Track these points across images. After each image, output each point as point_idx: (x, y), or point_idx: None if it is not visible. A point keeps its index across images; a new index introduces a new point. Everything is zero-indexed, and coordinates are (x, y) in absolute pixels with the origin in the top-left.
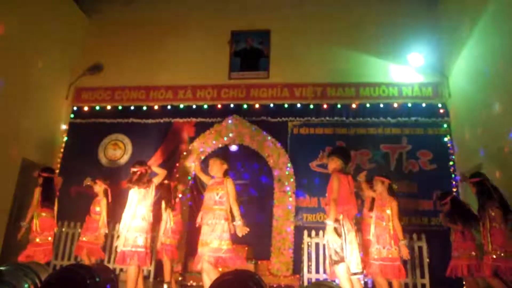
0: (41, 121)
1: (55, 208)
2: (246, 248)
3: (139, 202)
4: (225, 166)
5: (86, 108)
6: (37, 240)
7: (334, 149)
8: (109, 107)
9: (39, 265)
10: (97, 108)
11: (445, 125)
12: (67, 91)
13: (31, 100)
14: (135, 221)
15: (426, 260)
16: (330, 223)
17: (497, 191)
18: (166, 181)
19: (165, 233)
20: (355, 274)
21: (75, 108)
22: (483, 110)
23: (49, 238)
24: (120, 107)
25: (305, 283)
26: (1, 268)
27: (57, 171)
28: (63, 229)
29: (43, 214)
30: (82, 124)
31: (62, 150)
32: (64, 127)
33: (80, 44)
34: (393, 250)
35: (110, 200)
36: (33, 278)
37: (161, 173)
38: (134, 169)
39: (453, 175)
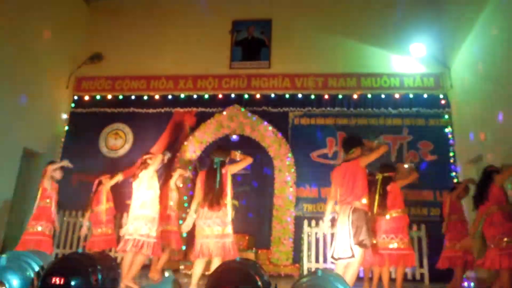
0: (42, 111)
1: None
2: (247, 238)
3: (135, 192)
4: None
5: (86, 98)
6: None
7: None
8: (109, 97)
9: (41, 253)
10: (98, 97)
11: (446, 116)
12: (67, 80)
13: (31, 89)
14: (137, 210)
15: (425, 250)
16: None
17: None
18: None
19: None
20: (335, 259)
21: (75, 98)
22: (484, 101)
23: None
24: (120, 97)
25: (305, 272)
26: (3, 256)
27: (58, 160)
28: (64, 218)
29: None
30: (82, 113)
31: (63, 139)
32: (65, 116)
33: (80, 33)
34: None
35: (94, 190)
36: (35, 266)
37: (156, 158)
38: None
39: (453, 166)
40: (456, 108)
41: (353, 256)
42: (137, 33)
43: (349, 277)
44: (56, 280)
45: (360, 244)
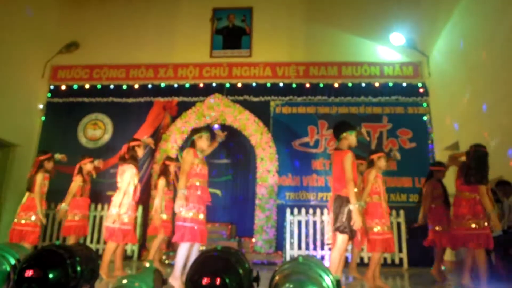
0: (17, 100)
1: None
2: (230, 227)
3: (120, 181)
4: None
5: (63, 87)
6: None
7: None
8: (87, 86)
9: (18, 246)
10: (75, 86)
11: (424, 104)
12: (43, 69)
13: (5, 78)
14: (119, 199)
15: (404, 236)
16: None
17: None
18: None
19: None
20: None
21: (52, 87)
22: (461, 89)
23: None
24: (99, 86)
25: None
26: None
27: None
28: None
29: None
30: (59, 103)
31: (40, 130)
32: (41, 106)
33: (55, 19)
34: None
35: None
36: (11, 259)
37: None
38: None
39: (431, 153)
40: (434, 96)
41: (333, 242)
42: (116, 21)
43: (329, 264)
44: (33, 273)
45: (338, 230)
